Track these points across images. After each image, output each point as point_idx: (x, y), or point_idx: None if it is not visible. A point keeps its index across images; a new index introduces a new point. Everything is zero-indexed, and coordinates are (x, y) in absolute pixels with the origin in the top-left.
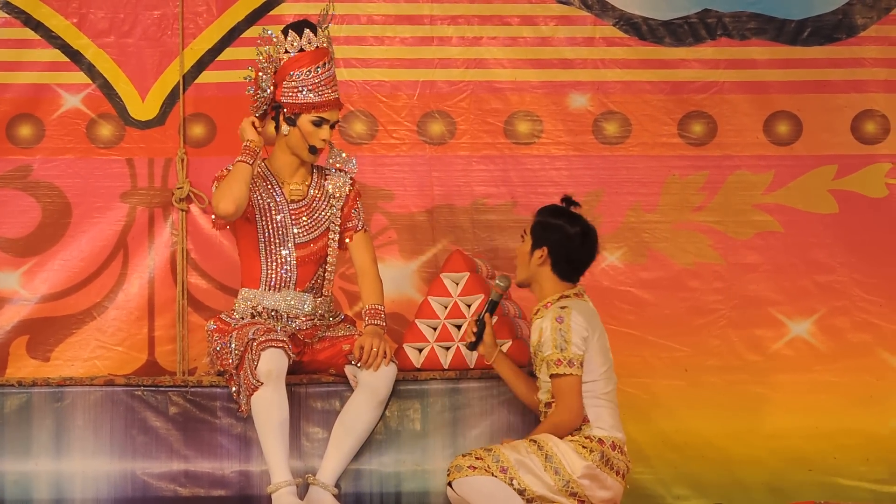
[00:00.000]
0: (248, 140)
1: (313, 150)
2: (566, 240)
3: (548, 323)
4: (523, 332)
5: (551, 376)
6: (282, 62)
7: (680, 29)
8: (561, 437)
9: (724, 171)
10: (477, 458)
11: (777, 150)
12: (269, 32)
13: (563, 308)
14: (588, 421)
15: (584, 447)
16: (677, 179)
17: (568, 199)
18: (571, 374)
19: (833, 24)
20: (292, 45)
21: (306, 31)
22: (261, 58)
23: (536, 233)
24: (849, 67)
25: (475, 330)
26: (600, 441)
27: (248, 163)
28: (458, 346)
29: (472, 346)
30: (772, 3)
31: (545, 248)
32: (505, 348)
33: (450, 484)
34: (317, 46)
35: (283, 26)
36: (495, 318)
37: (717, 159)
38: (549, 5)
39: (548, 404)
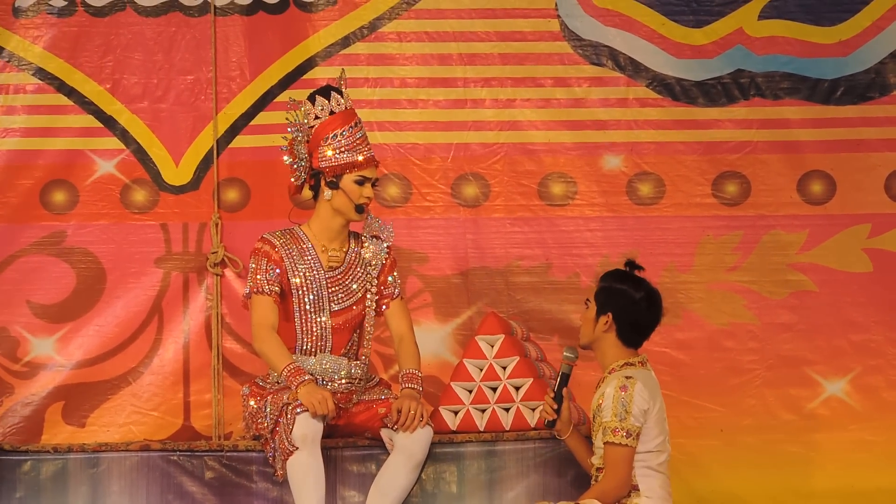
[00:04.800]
0: (315, 402)
1: (360, 210)
2: (631, 305)
3: (611, 390)
4: (545, 372)
5: (606, 443)
6: (314, 129)
7: (713, 89)
8: None
9: (759, 231)
10: None
11: (811, 210)
12: (294, 100)
13: (628, 378)
14: (639, 490)
15: None
16: (711, 240)
17: (631, 263)
18: (627, 445)
19: (866, 83)
20: (322, 109)
21: (333, 94)
22: (291, 129)
23: (601, 299)
24: (882, 126)
25: (555, 406)
26: None
27: (291, 384)
28: (493, 409)
29: (552, 424)
30: (805, 63)
31: (610, 315)
32: (525, 387)
33: None
34: (346, 107)
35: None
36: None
37: (751, 219)
38: (583, 67)
39: (599, 469)
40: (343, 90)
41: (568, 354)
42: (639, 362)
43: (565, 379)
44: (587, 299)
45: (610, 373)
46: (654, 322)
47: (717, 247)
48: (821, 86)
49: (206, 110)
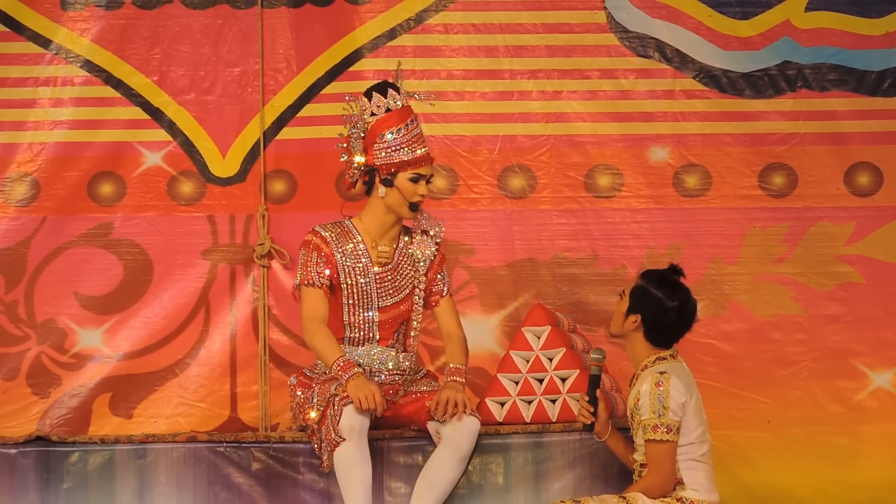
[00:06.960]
0: (362, 397)
1: (414, 207)
2: (662, 313)
3: (647, 387)
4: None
5: (647, 441)
6: (369, 125)
7: (760, 81)
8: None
9: (805, 223)
10: None
11: (858, 202)
12: (352, 96)
13: (662, 373)
14: (683, 483)
15: None
16: (758, 231)
17: (674, 269)
18: (668, 440)
19: None
20: (378, 106)
21: (390, 90)
22: (347, 125)
23: (635, 297)
24: None
25: (591, 410)
26: None
27: (341, 378)
28: (540, 400)
29: (590, 428)
30: (852, 54)
31: (639, 316)
32: (571, 379)
33: None
34: (402, 104)
35: (362, 83)
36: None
37: (797, 211)
38: (629, 59)
39: (643, 465)
40: (399, 83)
41: (595, 356)
42: (670, 355)
43: (596, 381)
44: (623, 291)
45: (643, 370)
46: (684, 330)
47: (764, 238)
48: (868, 77)
49: (253, 102)
